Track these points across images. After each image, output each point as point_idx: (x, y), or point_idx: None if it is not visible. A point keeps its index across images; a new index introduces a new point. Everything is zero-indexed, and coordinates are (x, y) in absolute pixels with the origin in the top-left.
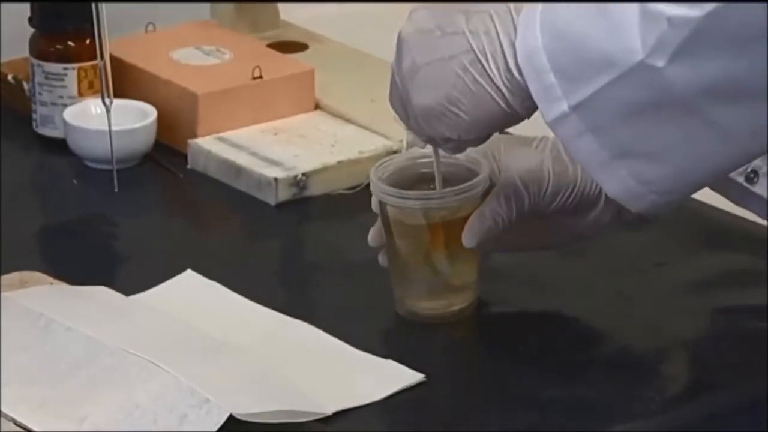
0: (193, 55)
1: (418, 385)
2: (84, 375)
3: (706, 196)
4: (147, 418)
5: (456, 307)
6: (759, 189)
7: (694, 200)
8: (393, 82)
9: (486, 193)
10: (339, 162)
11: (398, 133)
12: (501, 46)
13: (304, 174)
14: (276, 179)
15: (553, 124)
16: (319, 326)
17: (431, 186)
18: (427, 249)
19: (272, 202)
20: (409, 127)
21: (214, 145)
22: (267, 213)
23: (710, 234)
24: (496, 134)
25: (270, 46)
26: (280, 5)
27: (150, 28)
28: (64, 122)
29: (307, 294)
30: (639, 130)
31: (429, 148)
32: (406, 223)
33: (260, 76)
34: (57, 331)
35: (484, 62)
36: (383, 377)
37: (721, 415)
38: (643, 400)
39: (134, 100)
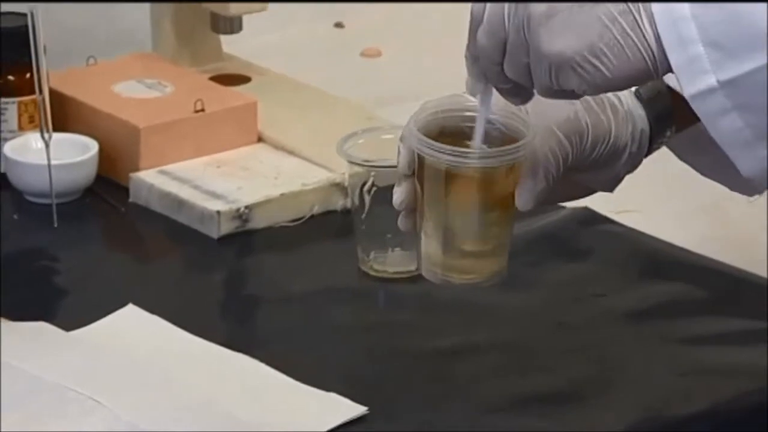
0: (134, 88)
1: (361, 418)
2: (24, 411)
3: (643, 225)
4: None
5: (489, 273)
6: None
7: (632, 230)
8: (497, 21)
9: None
10: (282, 194)
11: (340, 165)
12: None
13: (246, 207)
14: (218, 212)
15: (694, 99)
16: (261, 359)
17: (462, 141)
18: (471, 207)
19: (215, 235)
20: (491, 71)
21: (156, 178)
22: (209, 246)
23: (648, 264)
24: None
25: (212, 78)
26: (222, 38)
27: (91, 61)
28: (4, 156)
29: (249, 327)
30: None
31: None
32: (454, 181)
33: (202, 109)
34: None
35: (635, 13)
36: (325, 410)
37: None
38: (587, 429)
39: (75, 134)
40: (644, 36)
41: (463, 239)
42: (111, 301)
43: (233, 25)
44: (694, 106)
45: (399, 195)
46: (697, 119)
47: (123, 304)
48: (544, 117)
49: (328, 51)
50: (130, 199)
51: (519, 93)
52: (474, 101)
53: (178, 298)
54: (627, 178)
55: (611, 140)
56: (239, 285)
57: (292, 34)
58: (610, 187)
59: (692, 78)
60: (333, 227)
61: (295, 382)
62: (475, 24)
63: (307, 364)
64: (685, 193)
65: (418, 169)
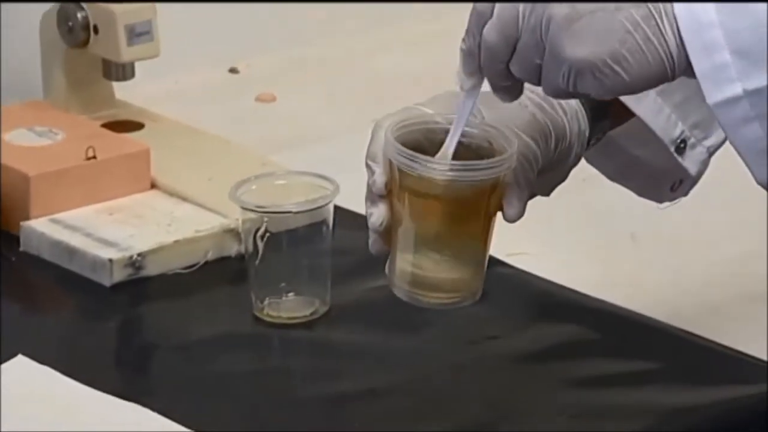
0: (25, 136)
1: None
2: None
3: (534, 267)
4: None
5: (466, 293)
6: (687, 161)
7: (524, 273)
8: (510, 19)
9: None
10: (175, 241)
11: (235, 211)
12: (671, 3)
13: (139, 254)
14: (111, 260)
15: (717, 107)
16: (155, 409)
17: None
18: (458, 223)
19: (107, 283)
20: (494, 68)
21: (47, 226)
22: (102, 294)
23: (540, 306)
24: (454, 92)
25: (105, 125)
26: (115, 84)
27: None
28: None
29: (143, 376)
30: None
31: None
32: (444, 196)
33: (94, 156)
34: None
35: (658, 19)
36: None
37: None
38: None
39: None
40: (666, 42)
41: (445, 257)
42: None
43: (125, 72)
44: (716, 113)
45: (378, 216)
46: (627, 117)
47: (12, 356)
48: (504, 122)
49: (222, 96)
50: (21, 248)
51: (513, 91)
52: (429, 112)
53: (70, 348)
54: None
55: (568, 140)
56: (133, 333)
57: (186, 79)
58: (548, 191)
59: (717, 85)
60: (227, 273)
61: (188, 431)
62: (479, 18)
63: (202, 412)
64: (574, 235)
65: (399, 186)
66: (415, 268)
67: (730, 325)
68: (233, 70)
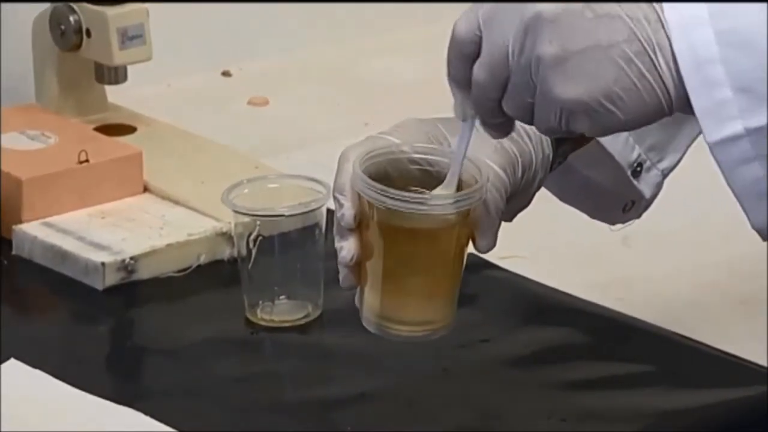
0: (17, 139)
1: None
2: None
3: (527, 270)
4: None
5: (439, 325)
6: (642, 185)
7: (517, 276)
8: (499, 58)
9: None
10: (168, 245)
11: (227, 214)
12: (668, 37)
13: (132, 258)
14: (103, 264)
15: (716, 145)
16: (147, 412)
17: (391, 185)
18: (429, 257)
19: (99, 286)
20: (485, 106)
21: (39, 230)
22: (94, 298)
23: (532, 309)
24: (419, 119)
25: (97, 129)
26: (107, 88)
27: None
28: None
29: (135, 380)
30: None
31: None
32: (413, 230)
33: (86, 160)
34: None
35: (652, 54)
36: None
37: None
38: None
39: None
40: (661, 78)
41: (416, 290)
42: None
43: (118, 75)
44: (714, 152)
45: (348, 251)
46: (586, 141)
47: (4, 360)
48: (473, 151)
49: (214, 100)
50: (14, 252)
51: (504, 128)
52: (395, 141)
53: (62, 352)
54: (511, 223)
55: (534, 167)
56: (125, 337)
57: (178, 83)
58: (511, 217)
59: (718, 124)
60: (220, 277)
61: None
62: (460, 47)
63: (194, 415)
64: (566, 238)
65: (368, 219)
66: (385, 300)
67: (722, 328)
68: (226, 74)
